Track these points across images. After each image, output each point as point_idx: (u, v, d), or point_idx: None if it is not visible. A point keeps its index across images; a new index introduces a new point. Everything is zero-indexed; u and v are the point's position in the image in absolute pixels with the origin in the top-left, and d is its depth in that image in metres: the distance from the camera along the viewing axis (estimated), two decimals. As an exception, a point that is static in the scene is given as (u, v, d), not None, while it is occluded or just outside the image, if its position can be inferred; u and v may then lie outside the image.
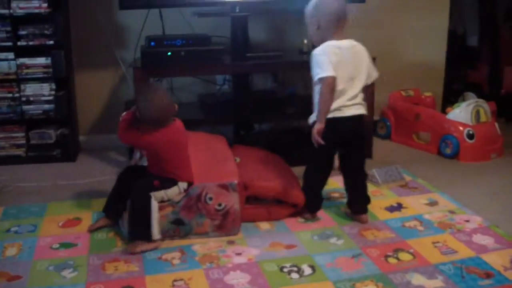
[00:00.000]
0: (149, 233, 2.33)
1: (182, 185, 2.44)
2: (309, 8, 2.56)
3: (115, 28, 3.74)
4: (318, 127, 2.43)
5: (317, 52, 2.48)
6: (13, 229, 2.57)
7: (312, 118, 2.52)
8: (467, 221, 2.63)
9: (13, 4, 3.35)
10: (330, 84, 2.41)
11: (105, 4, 3.67)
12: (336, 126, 2.47)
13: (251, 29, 3.58)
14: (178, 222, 2.43)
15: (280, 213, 2.64)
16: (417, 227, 2.58)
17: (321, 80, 2.42)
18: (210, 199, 2.42)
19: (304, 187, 2.67)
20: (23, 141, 3.58)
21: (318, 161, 2.63)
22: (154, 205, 2.35)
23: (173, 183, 2.42)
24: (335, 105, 2.46)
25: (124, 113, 2.46)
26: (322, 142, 2.43)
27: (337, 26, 2.50)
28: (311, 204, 2.68)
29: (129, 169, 2.66)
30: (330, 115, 2.46)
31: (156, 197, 2.37)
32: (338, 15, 2.50)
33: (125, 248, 2.36)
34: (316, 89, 2.49)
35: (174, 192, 2.42)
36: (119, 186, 2.55)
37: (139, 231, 2.34)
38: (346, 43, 2.51)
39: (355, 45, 2.54)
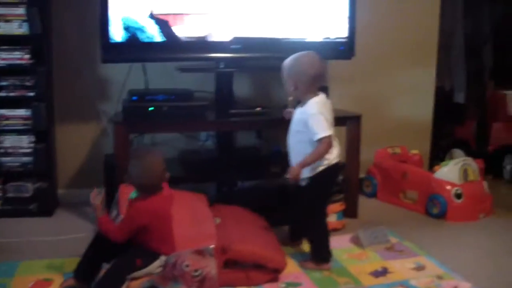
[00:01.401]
0: None
1: (164, 258, 2.36)
2: (286, 66, 2.66)
3: (97, 81, 3.71)
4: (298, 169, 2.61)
5: (314, 111, 2.60)
6: (-21, 290, 2.46)
7: (306, 174, 2.64)
8: (456, 287, 2.53)
9: (-5, 55, 3.32)
10: (329, 143, 2.59)
11: (88, 57, 3.64)
12: (337, 172, 2.78)
13: (235, 85, 3.55)
14: (152, 289, 2.32)
15: (260, 278, 2.52)
16: (403, 294, 2.48)
17: (321, 139, 2.57)
18: (187, 266, 2.31)
19: (321, 240, 2.75)
20: (-1, 194, 3.49)
21: (324, 209, 2.82)
22: (124, 287, 2.27)
23: (155, 257, 2.35)
24: (335, 152, 2.68)
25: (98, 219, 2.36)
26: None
27: (314, 85, 2.65)
28: (329, 254, 2.75)
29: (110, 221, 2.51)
30: (333, 162, 2.68)
31: (135, 276, 2.29)
32: (315, 77, 2.63)
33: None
34: (305, 146, 2.63)
35: (155, 266, 2.35)
36: (95, 249, 2.43)
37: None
38: (324, 97, 2.69)
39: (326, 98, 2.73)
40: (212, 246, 2.37)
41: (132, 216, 2.32)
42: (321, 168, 2.66)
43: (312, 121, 2.59)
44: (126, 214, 2.36)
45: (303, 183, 2.69)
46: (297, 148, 2.69)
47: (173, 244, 2.40)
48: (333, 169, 2.70)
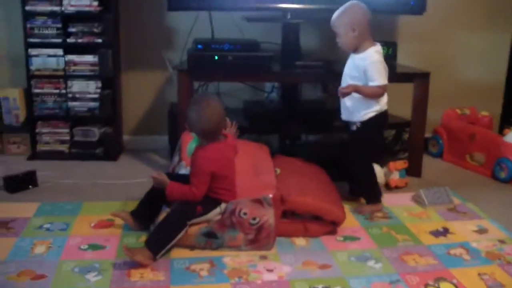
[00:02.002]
0: (159, 251, 2.24)
1: (224, 205, 2.37)
2: (340, 15, 2.70)
3: (163, 29, 3.73)
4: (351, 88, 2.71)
5: (376, 59, 2.68)
6: (45, 226, 2.55)
7: (357, 118, 2.77)
8: (519, 252, 2.45)
9: (65, 2, 3.39)
10: (384, 91, 2.73)
11: (154, 5, 3.65)
12: (386, 119, 2.84)
13: (302, 37, 3.49)
14: (210, 235, 2.35)
15: (318, 230, 2.51)
16: (463, 255, 2.41)
17: (380, 87, 2.68)
18: (245, 214, 2.33)
19: (369, 181, 2.87)
20: (67, 137, 3.61)
21: (373, 152, 2.91)
22: (183, 232, 2.29)
23: (216, 204, 2.37)
24: (385, 100, 2.77)
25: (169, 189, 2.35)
26: None
27: (369, 31, 2.72)
28: (378, 193, 2.88)
29: (168, 176, 2.46)
30: (383, 109, 2.77)
31: (194, 222, 2.33)
32: (369, 17, 2.70)
33: (127, 249, 2.24)
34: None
35: (214, 214, 2.37)
36: (154, 193, 2.47)
37: (154, 246, 2.24)
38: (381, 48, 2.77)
39: None
40: (270, 195, 2.37)
41: (201, 166, 2.31)
42: (371, 115, 2.75)
43: (372, 68, 2.67)
44: (193, 168, 2.34)
45: (354, 128, 2.79)
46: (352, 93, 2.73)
47: (234, 193, 2.41)
48: (382, 116, 2.79)
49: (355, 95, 2.70)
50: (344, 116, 2.84)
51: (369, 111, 2.74)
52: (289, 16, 3.35)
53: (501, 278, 2.22)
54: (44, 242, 2.39)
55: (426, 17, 3.48)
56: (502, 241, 2.55)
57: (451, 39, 3.99)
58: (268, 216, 2.35)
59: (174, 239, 2.27)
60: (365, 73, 2.68)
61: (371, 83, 2.68)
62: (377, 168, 3.02)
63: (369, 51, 2.70)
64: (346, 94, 2.70)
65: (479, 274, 2.24)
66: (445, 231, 2.65)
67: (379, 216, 2.79)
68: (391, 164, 3.15)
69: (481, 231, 2.67)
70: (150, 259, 2.21)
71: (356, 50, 2.73)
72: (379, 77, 2.67)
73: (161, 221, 2.32)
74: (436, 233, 2.62)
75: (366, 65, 2.67)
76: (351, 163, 2.86)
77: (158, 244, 2.25)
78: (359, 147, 2.81)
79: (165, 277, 2.14)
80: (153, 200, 2.48)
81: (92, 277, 2.13)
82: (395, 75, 3.08)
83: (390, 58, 3.29)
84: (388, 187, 3.16)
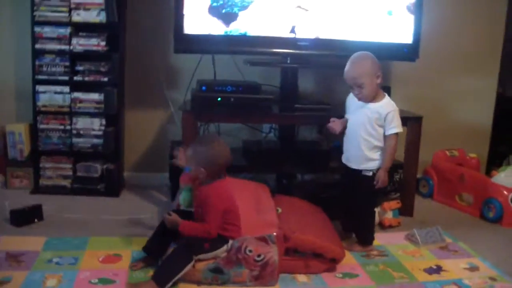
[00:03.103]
0: (165, 284, 2.32)
1: (231, 242, 2.48)
2: (362, 65, 2.75)
3: (167, 70, 3.85)
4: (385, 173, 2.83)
5: (395, 108, 2.82)
6: (54, 259, 2.62)
7: (372, 166, 2.84)
8: (509, 290, 2.57)
9: (74, 41, 3.50)
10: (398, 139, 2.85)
11: (159, 47, 3.79)
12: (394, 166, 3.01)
13: (300, 80, 3.63)
14: (216, 271, 2.43)
15: (318, 267, 2.62)
16: (456, 292, 2.54)
17: (397, 134, 2.81)
18: (250, 251, 2.43)
19: (370, 225, 2.98)
20: (70, 173, 3.68)
21: (375, 200, 3.07)
22: (189, 265, 2.37)
23: (223, 242, 2.47)
24: None
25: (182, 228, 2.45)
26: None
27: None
28: (373, 237, 2.98)
29: (175, 212, 2.57)
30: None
31: (201, 258, 2.42)
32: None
33: (131, 284, 2.36)
34: (374, 140, 2.82)
35: (222, 251, 2.47)
36: (165, 229, 2.55)
37: (161, 279, 2.33)
38: None
39: None
40: (274, 233, 2.48)
41: (214, 204, 2.42)
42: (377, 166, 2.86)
43: (392, 116, 2.79)
44: (206, 206, 2.43)
45: (369, 174, 2.86)
46: (368, 141, 2.82)
47: (240, 228, 2.51)
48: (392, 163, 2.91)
49: (371, 144, 2.81)
50: (356, 165, 2.87)
51: (383, 158, 2.84)
52: (288, 61, 3.50)
53: (493, 315, 2.34)
54: (55, 275, 2.45)
55: (418, 63, 3.63)
56: (493, 279, 2.67)
57: (441, 84, 4.16)
58: (273, 253, 2.46)
59: (181, 272, 2.34)
60: (386, 120, 2.78)
61: (393, 130, 2.78)
62: (373, 208, 3.14)
63: (387, 99, 2.83)
64: (386, 182, 2.86)
65: (472, 311, 2.36)
66: (438, 269, 2.77)
67: (375, 253, 2.90)
68: (385, 204, 3.27)
69: (473, 268, 2.79)
70: None
71: (373, 99, 2.82)
72: (398, 124, 2.80)
73: (168, 255, 2.42)
74: (430, 271, 2.74)
75: (384, 113, 2.77)
76: (357, 207, 2.92)
77: (165, 277, 2.33)
78: (372, 192, 2.90)
79: (175, 311, 2.23)
80: (162, 235, 2.57)
81: (104, 310, 2.21)
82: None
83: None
84: (382, 226, 3.27)
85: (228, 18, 3.36)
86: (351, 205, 2.95)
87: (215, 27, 3.36)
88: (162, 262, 2.43)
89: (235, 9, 3.35)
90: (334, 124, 2.93)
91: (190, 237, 2.42)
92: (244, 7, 3.36)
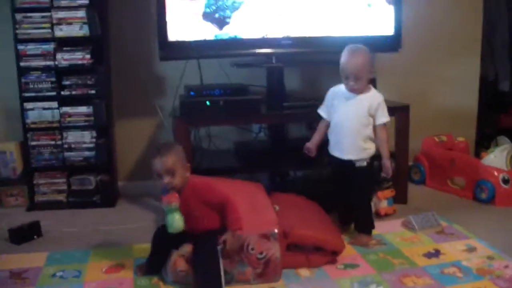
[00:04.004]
0: (220, 283, 2.34)
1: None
2: (362, 58, 2.80)
3: (154, 78, 3.87)
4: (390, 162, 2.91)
5: (382, 98, 2.88)
6: (58, 274, 2.63)
7: (366, 156, 2.90)
8: (506, 267, 2.61)
9: (58, 56, 3.50)
10: None
11: (144, 56, 3.81)
12: None
13: (286, 79, 3.67)
14: (219, 270, 2.46)
15: (319, 261, 2.66)
16: (456, 273, 2.58)
17: (387, 123, 2.88)
18: (252, 249, 2.47)
19: (370, 213, 3.04)
20: (64, 187, 3.68)
21: (373, 188, 3.20)
22: (220, 259, 2.38)
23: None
24: None
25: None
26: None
27: None
28: (373, 223, 3.02)
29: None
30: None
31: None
32: None
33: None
34: (367, 129, 2.87)
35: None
36: (160, 239, 2.57)
37: (212, 284, 2.34)
38: None
39: None
40: (275, 230, 2.51)
41: (215, 188, 2.48)
42: (375, 148, 2.94)
43: (383, 105, 2.87)
44: (212, 192, 2.48)
45: (363, 164, 2.90)
46: (361, 131, 2.87)
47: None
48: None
49: (365, 134, 2.86)
50: (349, 155, 2.89)
51: (374, 144, 2.92)
52: (274, 60, 3.53)
53: (494, 292, 2.39)
54: (61, 289, 2.48)
55: (401, 54, 3.66)
56: (490, 258, 2.72)
57: (425, 72, 4.20)
58: (274, 250, 2.49)
59: (221, 271, 2.35)
60: (377, 110, 2.84)
61: (383, 119, 2.86)
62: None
63: (374, 90, 2.90)
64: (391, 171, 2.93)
65: (473, 290, 2.40)
66: (437, 253, 2.81)
67: (374, 243, 2.94)
68: (380, 193, 3.31)
69: (470, 250, 2.84)
70: None
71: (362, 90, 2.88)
72: (387, 114, 2.88)
73: (197, 266, 2.41)
74: (428, 255, 2.79)
75: (376, 104, 2.84)
76: (355, 198, 2.96)
77: (213, 281, 2.33)
78: (369, 181, 3.01)
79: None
80: (161, 245, 2.57)
81: (114, 319, 2.23)
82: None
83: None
84: (378, 215, 3.31)
85: (221, 22, 3.39)
86: (348, 197, 2.97)
87: (199, 33, 3.39)
88: (197, 277, 2.40)
89: (227, 12, 3.39)
90: (309, 150, 3.02)
91: (204, 236, 2.43)
92: (236, 8, 3.40)
